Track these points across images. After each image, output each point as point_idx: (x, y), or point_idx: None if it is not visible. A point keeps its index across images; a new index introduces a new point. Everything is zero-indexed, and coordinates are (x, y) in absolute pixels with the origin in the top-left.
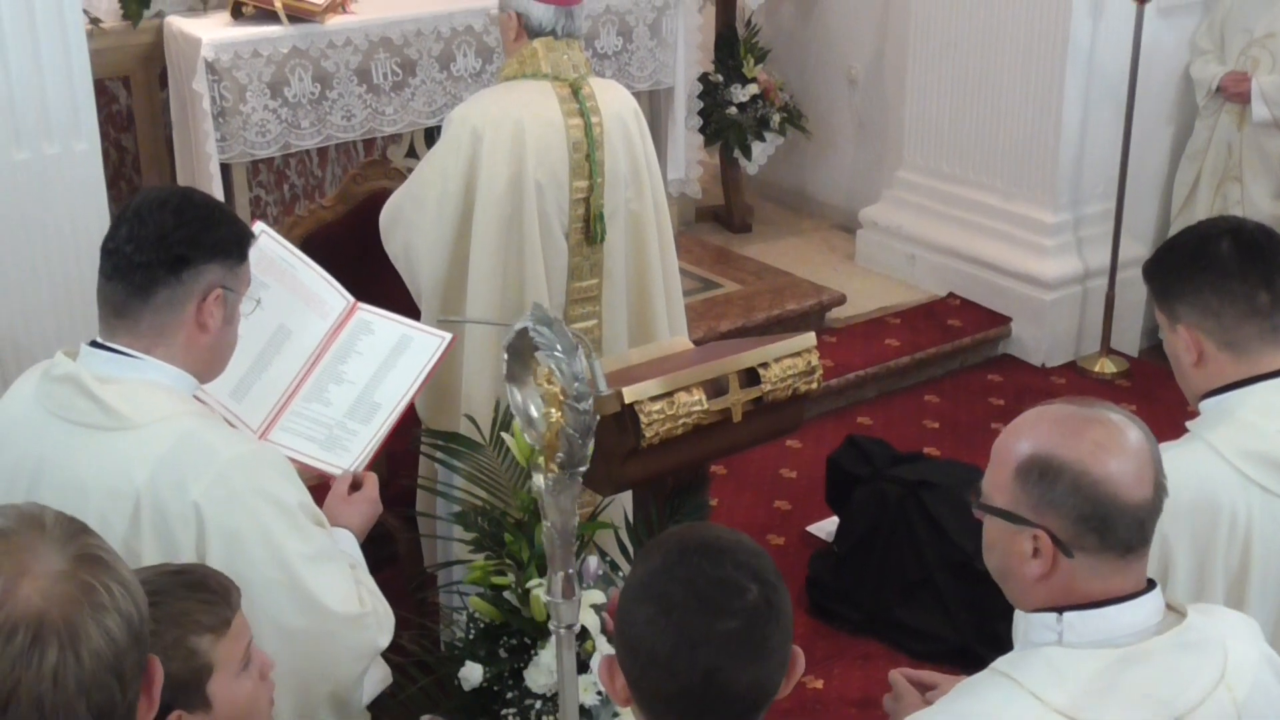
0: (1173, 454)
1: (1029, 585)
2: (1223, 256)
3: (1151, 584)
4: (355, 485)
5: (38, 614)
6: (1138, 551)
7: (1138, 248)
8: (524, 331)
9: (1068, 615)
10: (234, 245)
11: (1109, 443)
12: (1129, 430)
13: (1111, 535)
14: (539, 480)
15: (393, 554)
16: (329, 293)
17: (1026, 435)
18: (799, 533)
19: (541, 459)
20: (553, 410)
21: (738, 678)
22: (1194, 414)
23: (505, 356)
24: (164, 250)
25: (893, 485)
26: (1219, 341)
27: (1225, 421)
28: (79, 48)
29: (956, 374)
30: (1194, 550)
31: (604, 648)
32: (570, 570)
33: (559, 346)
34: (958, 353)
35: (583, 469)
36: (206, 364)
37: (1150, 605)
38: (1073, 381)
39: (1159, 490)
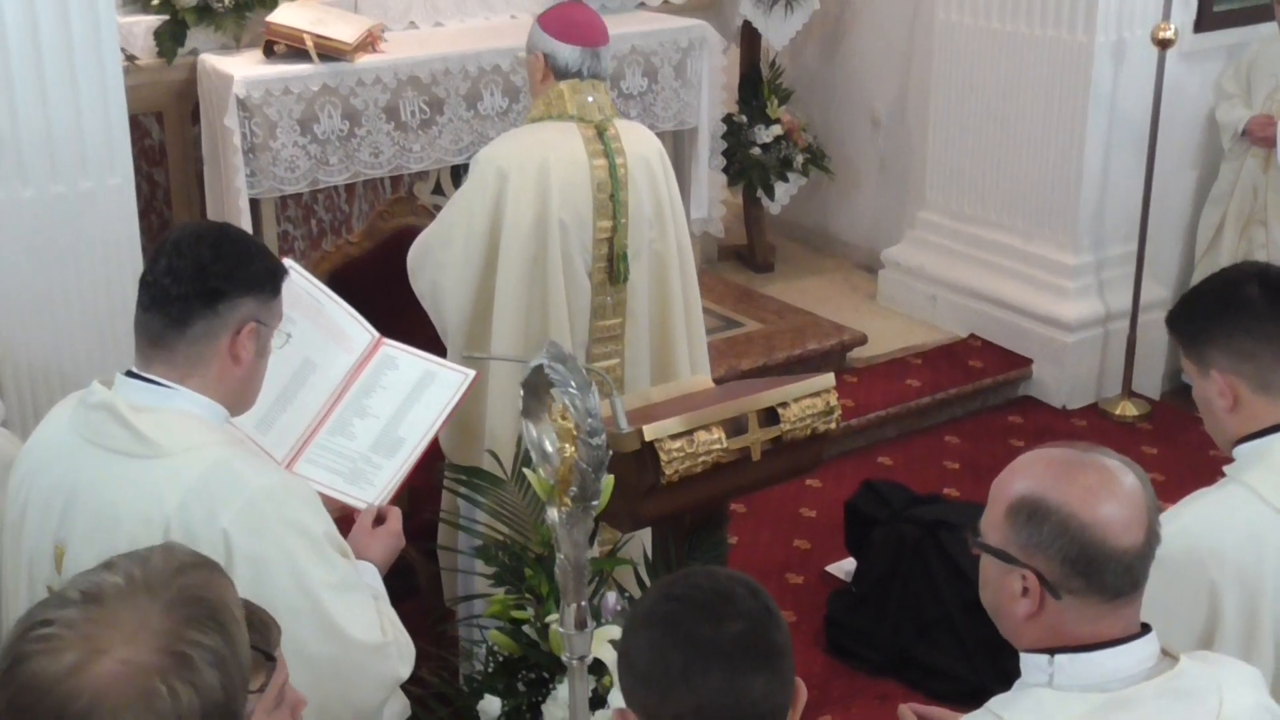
0: (1213, 500)
1: (1019, 623)
2: (1253, 300)
3: (1146, 629)
4: (379, 519)
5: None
6: (1128, 596)
7: (1159, 290)
8: (540, 368)
9: (1059, 657)
10: (268, 280)
11: (1100, 488)
12: (1122, 476)
13: (1099, 579)
14: (553, 514)
15: (413, 587)
16: (354, 328)
17: (1021, 476)
18: (818, 572)
19: (555, 493)
20: (567, 445)
21: (751, 684)
22: (1218, 456)
23: (521, 392)
24: (201, 283)
25: (910, 526)
26: (1255, 385)
27: (1264, 464)
28: (116, 85)
29: (977, 415)
30: (1243, 594)
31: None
32: (583, 602)
33: (573, 383)
34: (979, 394)
35: (595, 503)
36: (238, 395)
37: (1142, 651)
38: (1094, 424)
39: (1151, 537)
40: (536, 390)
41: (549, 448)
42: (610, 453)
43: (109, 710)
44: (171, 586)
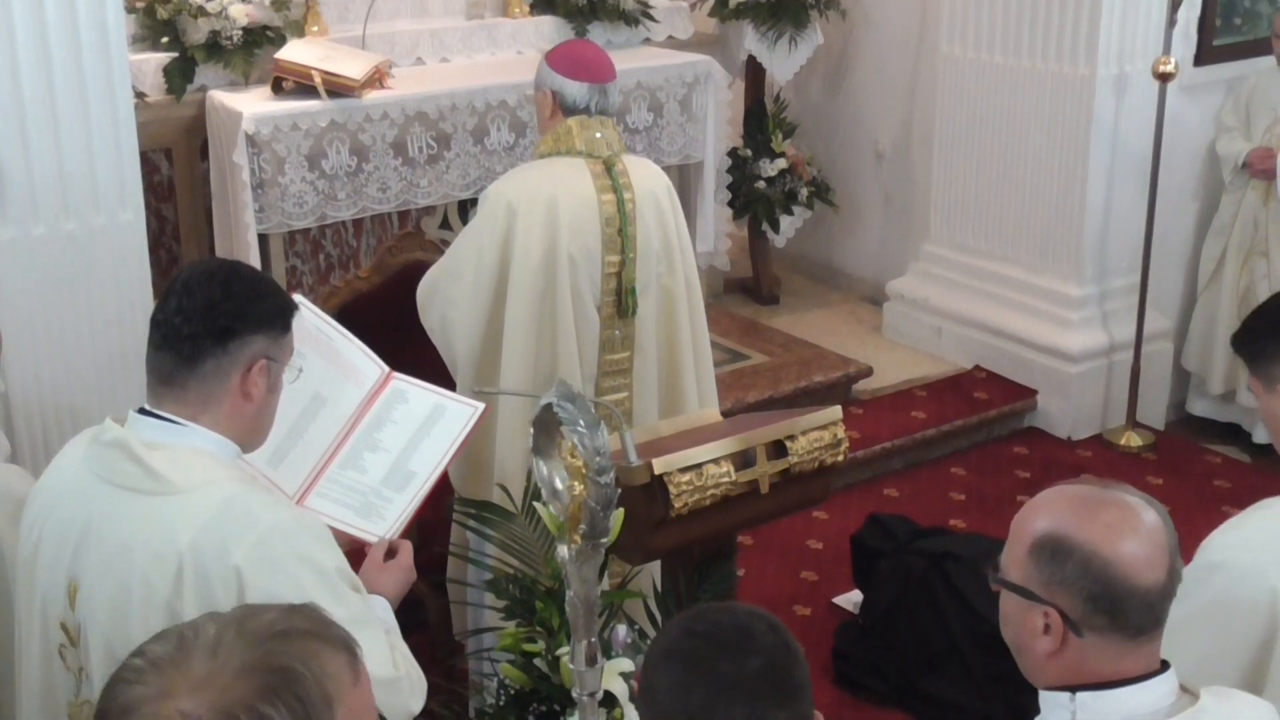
0: (1277, 509)
1: (1041, 661)
2: None
3: (1165, 665)
4: (390, 552)
5: None
6: (1150, 633)
7: (1162, 321)
8: (549, 406)
9: (1081, 695)
10: (278, 317)
11: (1122, 525)
12: (1144, 513)
13: (1122, 617)
14: (563, 550)
15: (423, 620)
16: (364, 362)
17: (1042, 513)
18: (825, 604)
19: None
20: (576, 483)
21: (773, 719)
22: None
23: (531, 430)
24: (211, 322)
25: (916, 558)
26: None
27: None
28: (127, 123)
29: (983, 446)
30: None
31: (631, 715)
32: (593, 638)
33: (582, 421)
34: (984, 425)
35: (604, 540)
36: (250, 432)
37: (1163, 687)
38: (1099, 454)
39: (1173, 575)
40: (547, 428)
41: (559, 485)
42: (619, 488)
43: None
44: (259, 649)
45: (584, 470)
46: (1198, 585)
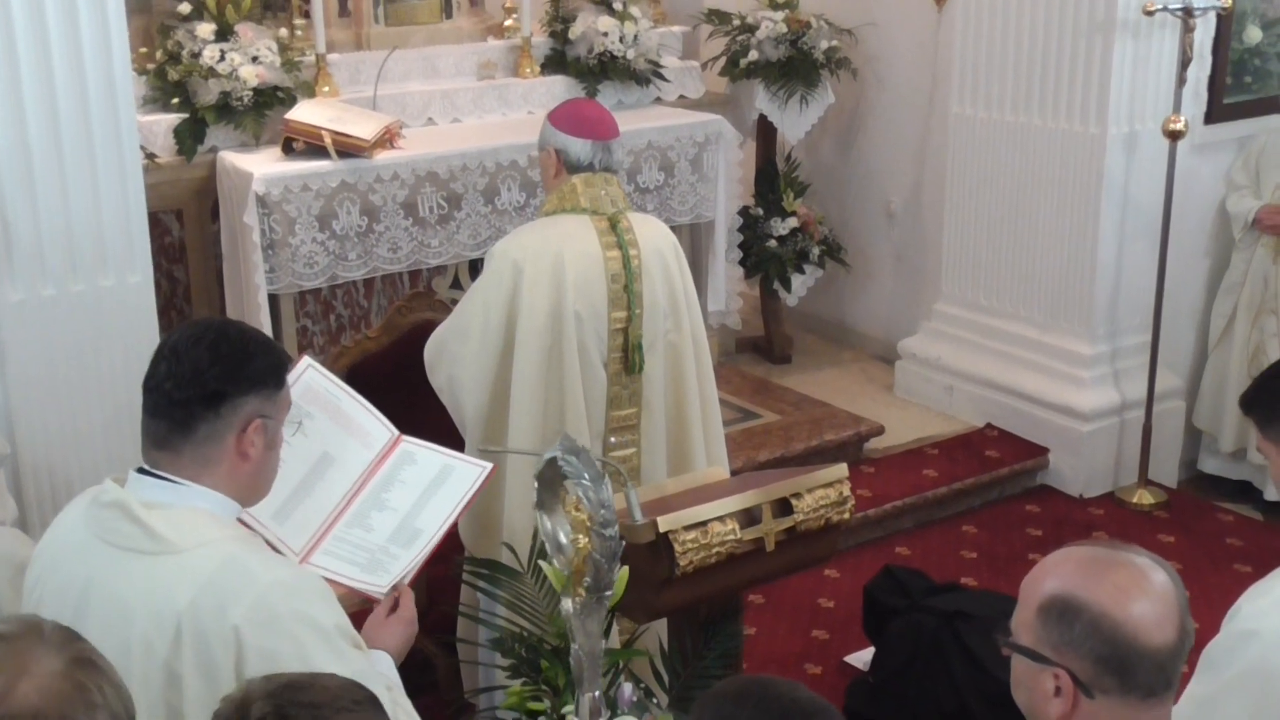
0: None
1: None
2: None
3: None
4: (394, 606)
5: (34, 711)
6: (1161, 695)
7: (1174, 379)
8: (553, 461)
9: None
10: (270, 375)
11: (1131, 586)
12: (1154, 574)
13: (1131, 678)
14: (568, 604)
15: (432, 680)
16: (374, 425)
17: (1051, 575)
18: (836, 662)
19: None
20: (580, 536)
21: None
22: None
23: (535, 484)
24: (201, 387)
25: (928, 616)
26: None
27: None
28: (135, 184)
29: (994, 505)
30: None
31: None
32: (597, 692)
33: (587, 475)
34: (995, 483)
35: (609, 593)
36: (250, 490)
37: None
38: (1111, 513)
39: (1184, 635)
40: (550, 483)
41: (563, 539)
42: (624, 544)
43: (56, 713)
44: (54, 639)
45: (588, 523)
46: (1231, 655)
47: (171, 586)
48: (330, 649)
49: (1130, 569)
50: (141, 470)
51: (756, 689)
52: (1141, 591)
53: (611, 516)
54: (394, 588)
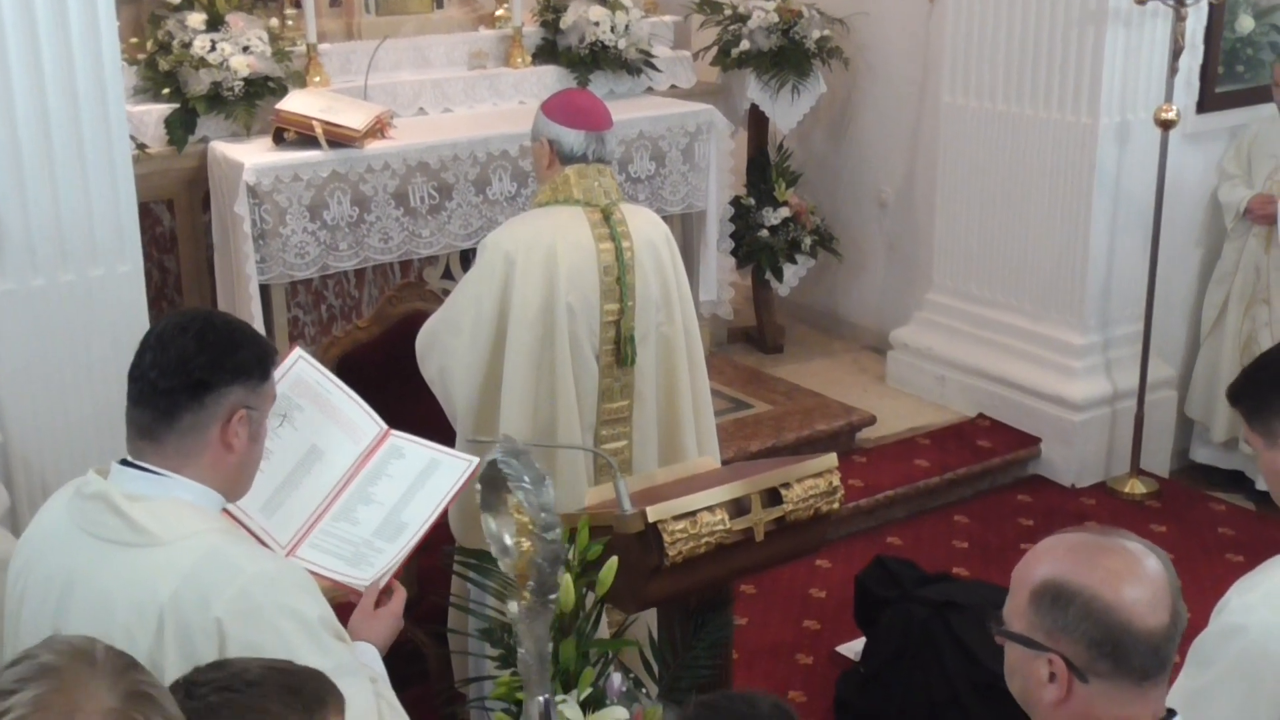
0: None
1: (1049, 711)
2: None
3: (1171, 713)
4: (385, 595)
5: None
6: (1155, 679)
7: (1166, 369)
8: (494, 463)
9: None
10: (255, 366)
11: (1123, 570)
12: (1145, 558)
13: (1125, 662)
14: (514, 607)
15: (423, 670)
16: (363, 419)
17: (1042, 561)
18: (828, 652)
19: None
20: (523, 540)
21: None
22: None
23: (478, 486)
24: (185, 376)
25: (919, 606)
26: None
27: None
28: (125, 174)
29: (986, 495)
30: None
31: None
32: (546, 694)
33: (527, 478)
34: (987, 473)
35: (554, 597)
36: (233, 481)
37: None
38: (1103, 502)
39: (1176, 618)
40: (494, 484)
41: (508, 541)
42: (568, 547)
43: None
44: (108, 669)
45: (530, 527)
46: (1220, 649)
47: (154, 578)
48: (313, 641)
49: (1122, 553)
50: (124, 462)
51: (722, 701)
52: (1134, 575)
53: (553, 520)
54: (374, 583)
